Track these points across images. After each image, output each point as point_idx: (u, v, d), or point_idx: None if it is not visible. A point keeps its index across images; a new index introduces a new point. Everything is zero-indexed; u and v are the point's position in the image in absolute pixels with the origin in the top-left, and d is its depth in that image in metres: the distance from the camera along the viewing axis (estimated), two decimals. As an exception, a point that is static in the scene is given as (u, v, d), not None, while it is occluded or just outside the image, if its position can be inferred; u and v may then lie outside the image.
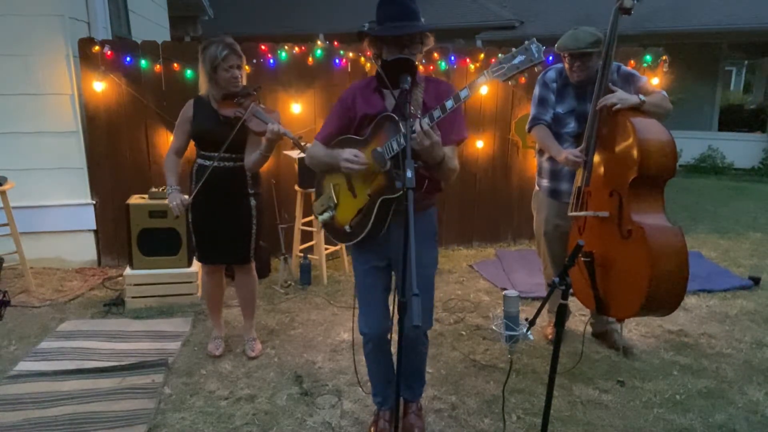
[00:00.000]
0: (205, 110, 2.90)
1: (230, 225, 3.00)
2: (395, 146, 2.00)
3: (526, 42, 1.83)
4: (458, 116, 2.17)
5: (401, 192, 1.98)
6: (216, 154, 2.85)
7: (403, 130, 1.94)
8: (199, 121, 2.91)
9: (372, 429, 2.54)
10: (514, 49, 1.85)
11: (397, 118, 1.99)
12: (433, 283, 2.41)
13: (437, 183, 2.26)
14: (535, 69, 1.85)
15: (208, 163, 2.88)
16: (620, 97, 2.77)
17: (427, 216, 2.33)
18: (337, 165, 2.14)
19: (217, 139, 2.82)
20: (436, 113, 1.94)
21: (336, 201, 2.28)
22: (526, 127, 3.22)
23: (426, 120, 1.93)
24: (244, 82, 2.92)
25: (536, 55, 1.80)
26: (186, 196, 2.92)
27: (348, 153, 2.11)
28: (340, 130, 2.26)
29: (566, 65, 3.06)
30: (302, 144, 2.80)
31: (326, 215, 2.30)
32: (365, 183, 2.17)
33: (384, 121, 2.08)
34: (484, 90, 5.04)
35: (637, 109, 2.76)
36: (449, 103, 1.93)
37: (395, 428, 1.93)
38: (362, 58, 4.78)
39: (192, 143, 3.02)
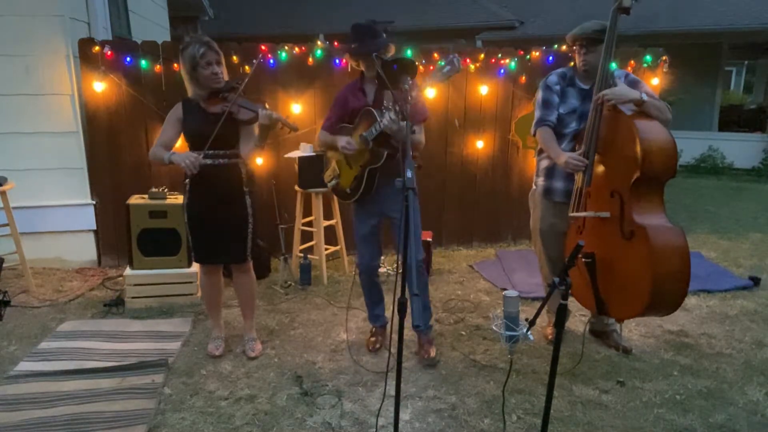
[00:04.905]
0: (194, 110, 2.92)
1: (226, 224, 3.00)
2: (374, 131, 2.80)
3: (450, 56, 2.60)
4: (419, 103, 2.88)
5: (382, 161, 2.86)
6: (211, 152, 2.85)
7: (385, 122, 2.70)
8: (189, 121, 2.92)
9: (371, 339, 3.30)
10: (443, 62, 2.59)
11: (374, 111, 2.80)
12: (420, 225, 3.19)
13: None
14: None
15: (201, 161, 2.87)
16: (615, 91, 2.76)
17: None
18: (337, 147, 2.98)
19: (210, 137, 2.81)
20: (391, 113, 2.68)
21: (338, 171, 3.13)
22: (531, 129, 3.22)
23: (391, 114, 2.68)
24: (226, 78, 2.94)
25: (457, 65, 2.56)
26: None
27: (344, 141, 2.93)
28: (339, 119, 3.07)
29: (575, 55, 3.08)
30: (292, 124, 2.86)
31: (333, 182, 3.19)
32: (357, 158, 2.98)
33: (366, 113, 2.90)
34: (484, 90, 5.05)
35: (639, 107, 2.76)
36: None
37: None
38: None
39: (181, 143, 2.99)
